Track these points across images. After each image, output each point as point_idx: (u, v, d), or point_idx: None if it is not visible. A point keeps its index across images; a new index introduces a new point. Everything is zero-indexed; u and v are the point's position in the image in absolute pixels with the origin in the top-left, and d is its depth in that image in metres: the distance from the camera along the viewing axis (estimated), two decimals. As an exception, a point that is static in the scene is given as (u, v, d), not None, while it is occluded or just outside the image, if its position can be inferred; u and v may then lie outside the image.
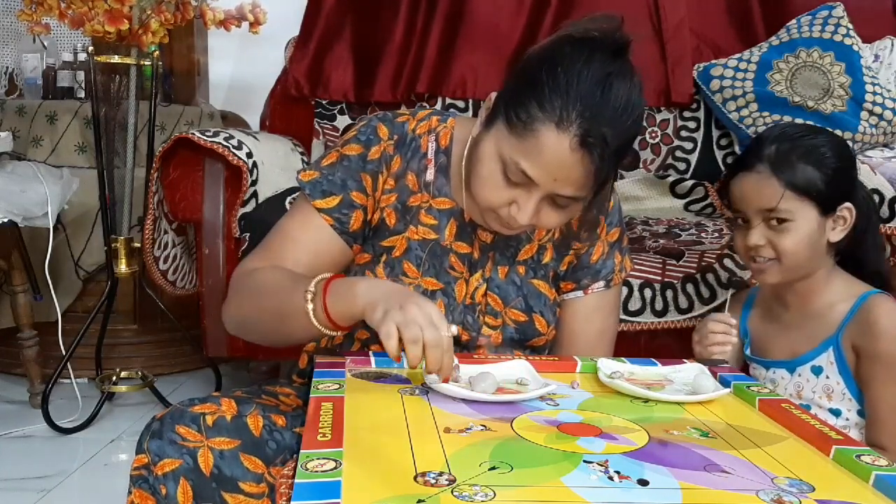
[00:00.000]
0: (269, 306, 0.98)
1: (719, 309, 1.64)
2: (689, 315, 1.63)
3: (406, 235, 1.08)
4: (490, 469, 0.68)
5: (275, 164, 1.86)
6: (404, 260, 1.08)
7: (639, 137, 2.25)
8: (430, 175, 1.08)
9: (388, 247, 1.08)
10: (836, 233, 1.16)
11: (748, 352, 1.25)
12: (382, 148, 1.07)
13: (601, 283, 1.16)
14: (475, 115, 2.21)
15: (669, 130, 2.29)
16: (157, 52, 2.09)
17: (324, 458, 0.67)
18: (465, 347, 1.10)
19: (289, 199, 1.78)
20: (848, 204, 1.15)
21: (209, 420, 0.88)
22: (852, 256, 1.21)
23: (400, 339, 0.83)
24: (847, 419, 1.15)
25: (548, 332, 1.13)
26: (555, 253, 1.14)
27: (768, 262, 1.16)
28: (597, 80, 0.90)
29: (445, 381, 0.87)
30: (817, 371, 1.16)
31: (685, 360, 1.05)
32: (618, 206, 1.19)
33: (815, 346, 1.17)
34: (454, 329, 0.85)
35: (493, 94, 1.00)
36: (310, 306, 0.90)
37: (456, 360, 0.97)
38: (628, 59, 0.94)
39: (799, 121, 2.04)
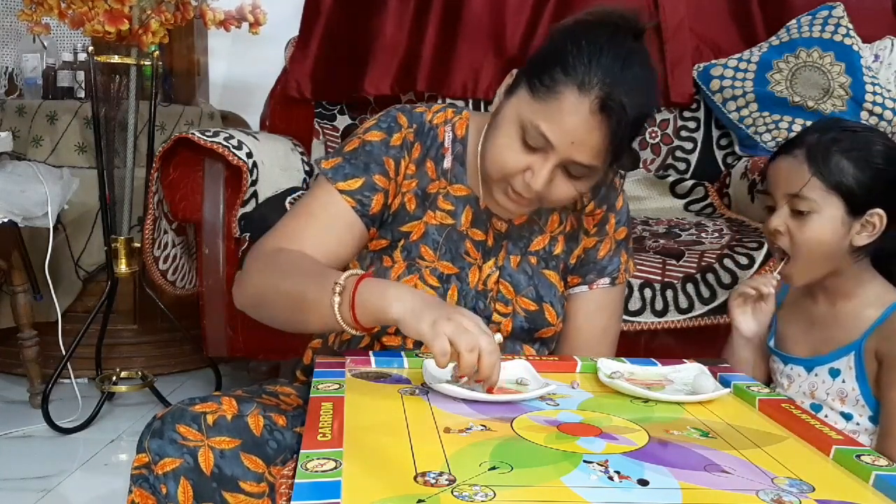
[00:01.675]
0: (292, 289, 0.97)
1: (720, 309, 1.64)
2: (689, 315, 1.63)
3: (424, 220, 1.10)
4: (490, 469, 0.68)
5: (275, 164, 1.86)
6: (421, 244, 1.09)
7: (639, 138, 2.25)
8: (447, 163, 1.11)
9: (407, 232, 1.10)
10: (862, 237, 1.11)
11: (771, 343, 1.23)
12: (403, 135, 1.10)
13: (606, 280, 1.17)
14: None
15: (669, 130, 2.29)
16: (157, 52, 2.09)
17: (324, 458, 0.67)
18: None
19: (289, 199, 1.78)
20: (879, 210, 1.09)
21: (210, 419, 0.88)
22: (884, 261, 1.16)
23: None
24: (857, 423, 1.13)
25: (556, 324, 1.14)
26: (565, 245, 1.15)
27: (784, 258, 1.13)
28: (618, 54, 0.94)
29: (490, 391, 0.86)
30: (834, 374, 1.14)
31: (685, 360, 1.05)
32: (626, 206, 1.20)
33: (836, 347, 1.14)
34: (499, 337, 0.86)
35: (515, 71, 1.04)
36: (336, 299, 0.89)
37: (456, 361, 0.97)
38: (645, 45, 0.99)
39: (809, 123, 2.03)
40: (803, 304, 1.21)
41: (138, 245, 2.07)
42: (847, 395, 1.13)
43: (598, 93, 0.92)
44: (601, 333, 1.19)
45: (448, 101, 2.25)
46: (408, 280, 1.07)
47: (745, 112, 2.15)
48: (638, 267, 1.65)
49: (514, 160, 0.98)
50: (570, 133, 0.94)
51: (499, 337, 0.86)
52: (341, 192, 1.06)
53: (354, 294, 0.88)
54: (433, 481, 0.65)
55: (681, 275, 1.64)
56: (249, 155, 1.76)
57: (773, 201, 1.14)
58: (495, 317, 1.11)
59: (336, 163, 1.08)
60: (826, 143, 1.10)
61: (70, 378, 2.14)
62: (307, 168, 1.99)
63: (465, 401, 0.86)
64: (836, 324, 1.16)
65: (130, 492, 0.88)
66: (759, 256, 1.63)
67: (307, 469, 0.65)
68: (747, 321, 1.20)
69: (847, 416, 1.13)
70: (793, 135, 2.05)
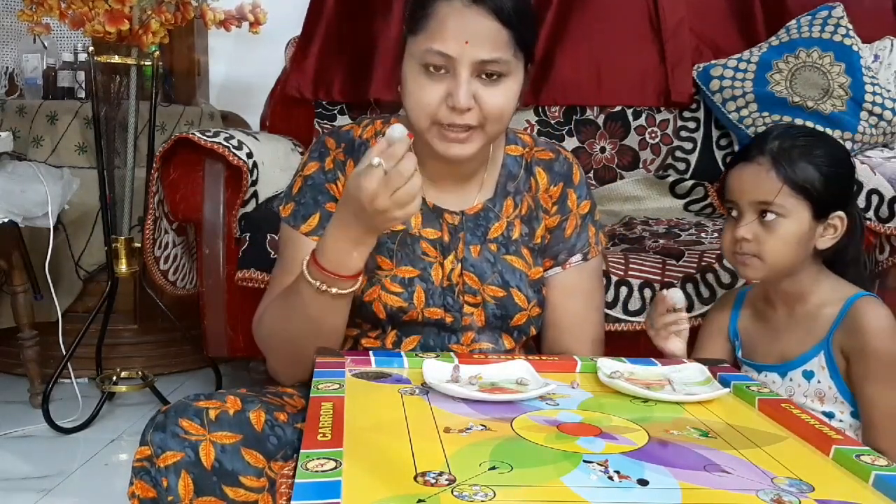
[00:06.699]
0: (294, 318, 1.01)
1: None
2: (689, 315, 1.63)
3: None
4: (490, 469, 0.68)
5: (275, 164, 1.86)
6: (377, 255, 1.10)
7: (639, 138, 2.26)
8: None
9: None
10: (825, 240, 1.15)
11: (739, 354, 1.25)
12: (333, 157, 1.13)
13: (578, 257, 1.18)
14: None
15: (669, 130, 2.29)
16: (158, 53, 2.09)
17: (324, 458, 0.67)
18: (450, 329, 1.12)
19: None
20: (840, 213, 1.14)
21: (212, 414, 0.89)
22: (832, 265, 1.20)
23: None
24: (840, 421, 1.14)
25: (528, 308, 1.14)
26: (523, 228, 1.16)
27: (751, 257, 1.14)
28: None
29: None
30: (808, 375, 1.16)
31: (685, 360, 1.05)
32: (584, 179, 1.21)
33: (804, 350, 1.16)
34: (375, 161, 0.88)
35: None
36: (314, 282, 0.95)
37: (456, 361, 0.97)
38: None
39: (809, 123, 2.03)
40: (764, 313, 1.23)
41: (139, 245, 2.07)
42: (825, 395, 1.15)
43: None
44: (584, 310, 1.19)
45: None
46: (370, 292, 1.09)
47: (744, 112, 2.15)
48: (638, 267, 1.65)
49: (430, 93, 0.99)
50: (459, 34, 0.96)
51: (375, 160, 0.88)
52: (306, 234, 1.10)
53: (318, 262, 0.95)
54: (433, 481, 0.65)
55: (681, 275, 1.64)
56: (250, 155, 1.76)
57: (738, 209, 1.16)
58: (466, 308, 1.11)
59: (291, 208, 1.13)
60: (789, 148, 1.12)
61: (70, 378, 2.14)
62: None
63: (465, 401, 0.86)
64: (798, 327, 1.18)
65: (131, 483, 0.89)
66: (759, 256, 1.63)
67: (307, 469, 0.65)
68: (676, 344, 1.18)
69: (829, 415, 1.15)
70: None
